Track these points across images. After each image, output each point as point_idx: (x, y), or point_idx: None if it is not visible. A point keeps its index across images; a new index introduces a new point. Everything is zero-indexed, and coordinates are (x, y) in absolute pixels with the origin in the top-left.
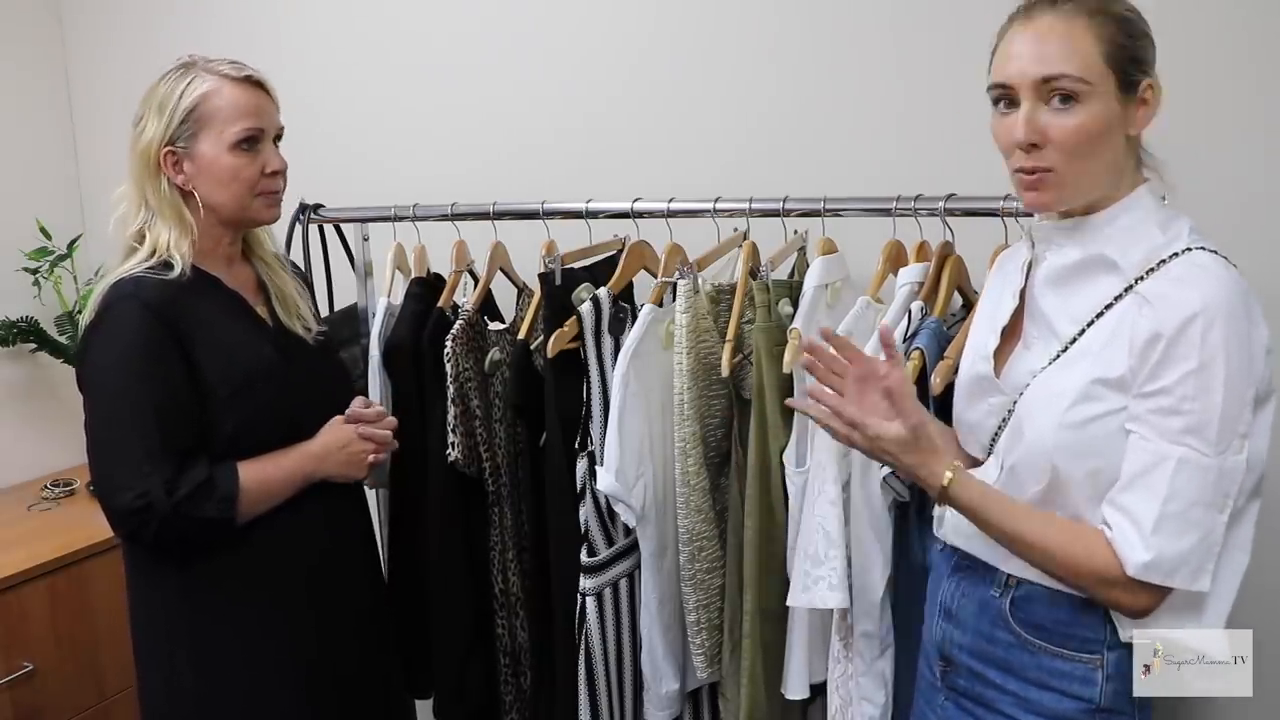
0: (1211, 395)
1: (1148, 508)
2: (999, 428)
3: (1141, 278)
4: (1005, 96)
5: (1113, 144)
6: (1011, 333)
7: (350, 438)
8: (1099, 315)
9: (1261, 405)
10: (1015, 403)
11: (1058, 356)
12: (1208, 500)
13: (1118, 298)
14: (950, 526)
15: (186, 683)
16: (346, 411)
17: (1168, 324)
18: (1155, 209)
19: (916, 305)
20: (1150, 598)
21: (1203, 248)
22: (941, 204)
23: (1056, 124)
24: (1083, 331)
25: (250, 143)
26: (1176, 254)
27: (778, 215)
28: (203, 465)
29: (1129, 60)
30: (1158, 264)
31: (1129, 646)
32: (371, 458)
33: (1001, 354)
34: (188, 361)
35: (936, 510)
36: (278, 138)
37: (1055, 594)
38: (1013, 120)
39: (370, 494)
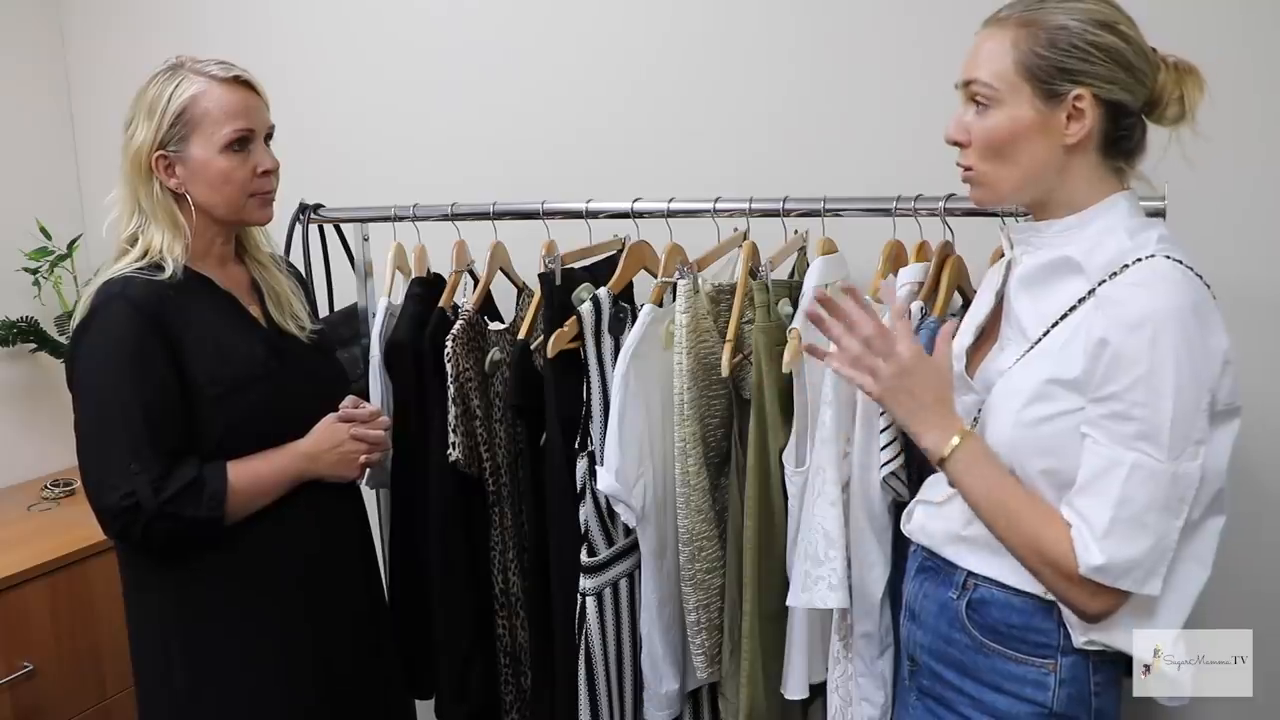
0: (1162, 400)
1: (1101, 511)
2: (970, 427)
3: (1104, 281)
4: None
5: (1033, 151)
6: (990, 333)
7: (343, 437)
8: (1063, 317)
9: (1224, 420)
10: (984, 401)
11: (1023, 357)
12: (1161, 505)
13: (1081, 300)
14: (916, 525)
15: (180, 683)
16: (339, 411)
17: (1117, 328)
18: (1128, 216)
19: (916, 305)
20: (1104, 602)
21: (1167, 256)
22: (941, 204)
23: (973, 124)
24: (1047, 333)
25: (241, 143)
26: (1140, 259)
27: (778, 215)
28: (191, 464)
29: (1051, 70)
30: (1120, 268)
31: (1082, 652)
32: (364, 458)
33: (980, 354)
34: (177, 362)
35: (909, 506)
36: (269, 136)
37: (1010, 598)
38: None
39: (370, 494)
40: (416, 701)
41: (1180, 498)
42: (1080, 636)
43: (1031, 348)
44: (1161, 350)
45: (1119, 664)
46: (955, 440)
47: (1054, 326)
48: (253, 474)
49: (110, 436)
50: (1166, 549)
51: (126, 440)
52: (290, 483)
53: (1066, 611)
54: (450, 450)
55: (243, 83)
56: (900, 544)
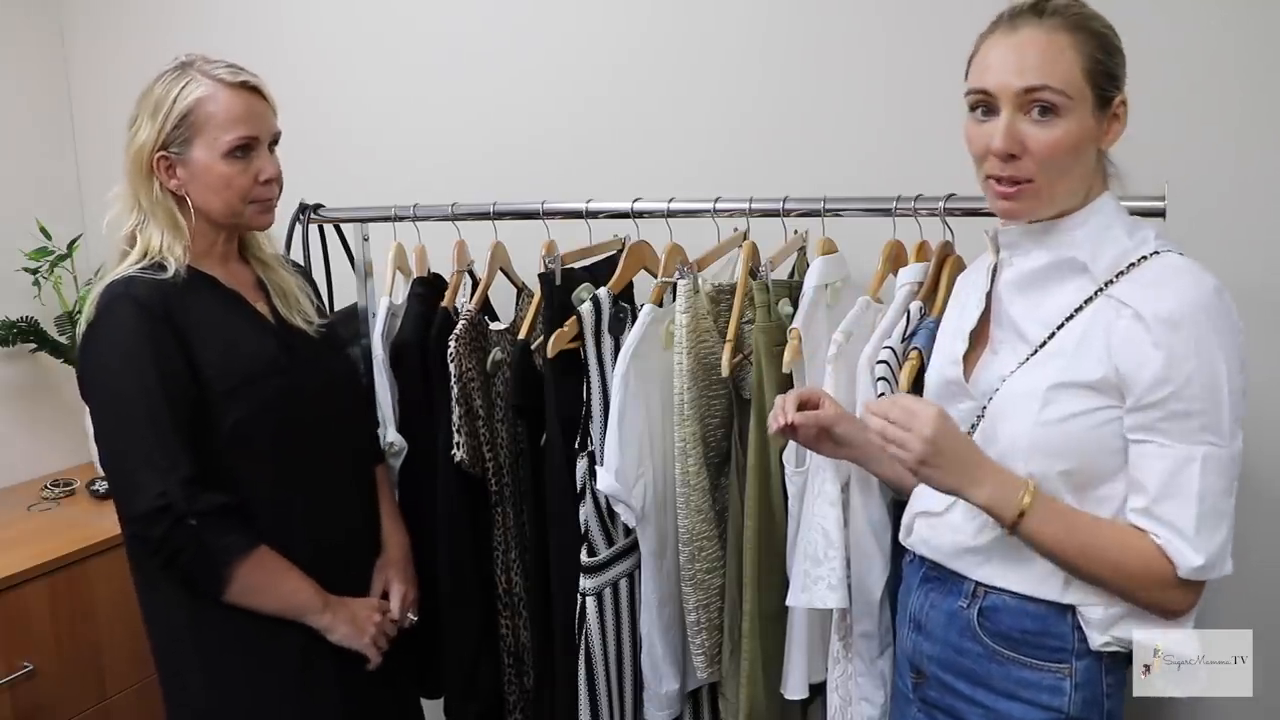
0: (1219, 388)
1: (1187, 513)
2: (968, 433)
3: (1112, 281)
4: (984, 104)
5: (1086, 158)
6: (978, 339)
7: (371, 612)
8: (1070, 318)
9: None
10: (984, 408)
11: (1027, 359)
12: (1226, 488)
13: (1088, 300)
14: (918, 537)
15: (196, 684)
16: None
17: (1158, 331)
18: (1119, 215)
19: (915, 305)
20: (1195, 595)
21: (1169, 250)
22: (941, 204)
23: (1035, 135)
24: (1053, 334)
25: (244, 150)
26: (1145, 257)
27: (778, 215)
28: (236, 512)
29: (1105, 76)
30: (1128, 267)
31: (1097, 655)
32: (368, 639)
33: (969, 360)
34: (186, 357)
35: (905, 519)
36: (273, 143)
37: (1023, 604)
38: (990, 128)
39: None
40: (426, 700)
41: (1235, 476)
42: (1100, 637)
43: (1036, 350)
44: (1206, 342)
45: (1127, 664)
46: (1027, 500)
47: (1060, 328)
48: (284, 565)
49: (136, 437)
50: (1232, 527)
51: (152, 437)
52: (302, 605)
53: (1084, 612)
54: (454, 450)
55: (251, 88)
56: (899, 545)
